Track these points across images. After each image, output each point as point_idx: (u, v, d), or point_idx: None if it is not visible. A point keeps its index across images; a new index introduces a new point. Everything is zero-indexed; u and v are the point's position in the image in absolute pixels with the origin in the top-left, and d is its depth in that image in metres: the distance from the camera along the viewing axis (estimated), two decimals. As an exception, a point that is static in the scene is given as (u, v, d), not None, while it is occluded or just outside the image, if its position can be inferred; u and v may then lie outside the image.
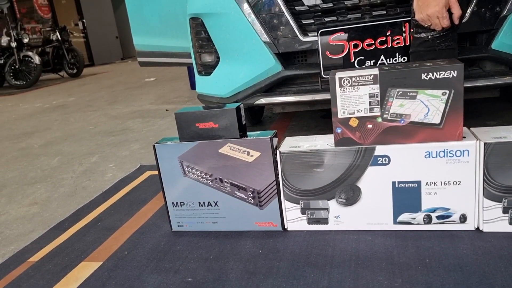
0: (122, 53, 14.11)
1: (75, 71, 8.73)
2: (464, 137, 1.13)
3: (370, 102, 1.13)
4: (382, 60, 1.60)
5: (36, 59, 7.31)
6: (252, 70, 1.80)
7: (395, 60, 1.60)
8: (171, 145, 1.28)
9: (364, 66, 1.62)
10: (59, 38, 8.43)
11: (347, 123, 1.16)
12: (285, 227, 1.28)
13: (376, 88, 1.12)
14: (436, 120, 1.11)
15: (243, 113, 1.26)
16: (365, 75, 1.11)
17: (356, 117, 1.15)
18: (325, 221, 1.24)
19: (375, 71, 1.11)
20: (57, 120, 3.88)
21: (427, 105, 1.10)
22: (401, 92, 1.11)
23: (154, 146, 1.29)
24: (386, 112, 1.13)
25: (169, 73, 6.80)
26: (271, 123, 2.77)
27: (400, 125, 1.13)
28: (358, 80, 1.12)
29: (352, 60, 1.62)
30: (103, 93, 5.54)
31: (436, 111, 1.10)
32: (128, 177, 1.97)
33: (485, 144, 1.08)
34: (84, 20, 12.45)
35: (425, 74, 1.08)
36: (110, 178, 2.03)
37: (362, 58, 1.61)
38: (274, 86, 1.83)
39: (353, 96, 1.14)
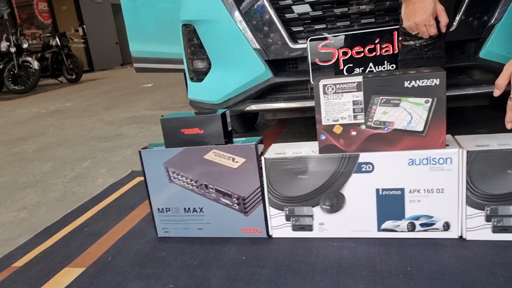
0: (121, 59, 14.16)
1: (74, 76, 8.75)
2: (448, 145, 1.13)
3: (354, 109, 1.14)
4: (371, 67, 1.61)
5: (35, 65, 7.33)
6: (243, 77, 1.81)
7: (384, 68, 1.61)
8: (156, 151, 1.28)
9: (353, 73, 1.63)
10: (59, 43, 8.47)
11: (331, 130, 1.17)
12: (270, 234, 1.28)
13: (360, 96, 1.12)
14: (419, 127, 1.11)
15: (229, 120, 1.27)
16: (349, 83, 1.12)
17: (340, 124, 1.16)
18: (309, 228, 1.24)
19: (359, 78, 1.11)
20: (52, 125, 3.89)
21: (410, 113, 1.11)
22: (384, 99, 1.11)
23: (140, 152, 1.30)
24: (370, 120, 1.13)
25: (167, 79, 6.81)
26: (264, 129, 2.78)
27: (383, 132, 1.14)
28: (342, 87, 1.13)
29: (341, 68, 1.63)
30: (100, 98, 5.55)
31: (419, 119, 1.10)
32: (118, 182, 1.97)
33: (468, 152, 1.08)
34: (84, 26, 12.51)
35: (408, 82, 1.08)
36: (100, 184, 2.03)
37: (351, 65, 1.62)
38: (264, 93, 1.84)
39: (337, 103, 1.14)
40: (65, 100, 5.86)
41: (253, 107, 1.84)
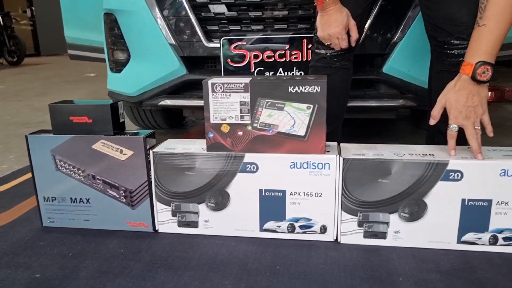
0: (72, 46, 13.61)
1: (15, 59, 8.34)
2: (329, 151, 1.18)
3: (241, 109, 1.16)
4: (280, 72, 1.65)
5: (-28, 43, 6.92)
6: (158, 71, 1.80)
7: (293, 74, 1.65)
8: (44, 137, 1.24)
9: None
10: (1, 23, 8.04)
11: (219, 128, 1.18)
12: (157, 228, 1.28)
13: (246, 97, 1.14)
14: (301, 132, 1.15)
15: (121, 111, 1.25)
16: (237, 83, 1.14)
17: (228, 124, 1.17)
18: (195, 224, 1.25)
19: (246, 80, 1.14)
20: (-24, 107, 3.68)
21: (294, 117, 1.14)
22: (270, 102, 1.14)
23: (26, 137, 1.25)
24: (256, 121, 1.16)
25: (113, 70, 6.62)
26: (192, 127, 2.77)
27: (268, 134, 1.16)
28: (230, 87, 1.14)
29: (252, 70, 1.66)
30: (36, 83, 5.32)
31: (302, 124, 1.14)
32: (22, 169, 1.89)
33: (343, 159, 1.13)
34: (33, 8, 11.95)
35: (292, 87, 1.12)
36: (4, 170, 1.94)
37: (262, 69, 1.65)
38: (180, 89, 1.83)
39: (225, 102, 1.16)
40: (-2, 82, 5.57)
41: (168, 102, 1.83)
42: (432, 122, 1.16)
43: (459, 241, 1.13)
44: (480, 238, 1.12)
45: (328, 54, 1.41)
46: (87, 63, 7.80)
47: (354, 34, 1.35)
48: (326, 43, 1.38)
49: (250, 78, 1.15)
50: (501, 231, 1.11)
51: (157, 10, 1.72)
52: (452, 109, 1.10)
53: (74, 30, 3.00)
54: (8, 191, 1.64)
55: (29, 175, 1.80)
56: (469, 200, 1.10)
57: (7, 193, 1.61)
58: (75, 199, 1.28)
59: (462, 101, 1.09)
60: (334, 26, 1.32)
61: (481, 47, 1.07)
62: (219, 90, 1.15)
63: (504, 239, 1.11)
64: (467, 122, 1.09)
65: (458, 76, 1.12)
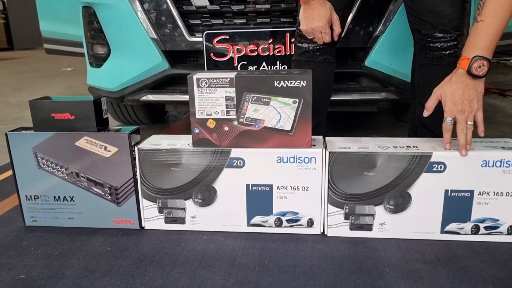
0: (46, 40, 13.29)
1: (-13, 53, 8.09)
2: (314, 145, 1.19)
3: (227, 105, 1.15)
4: (264, 66, 1.65)
5: None
6: (140, 66, 1.77)
7: (276, 68, 1.65)
8: (24, 134, 1.22)
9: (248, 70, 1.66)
10: (-28, 16, 7.78)
11: (204, 124, 1.18)
12: (143, 225, 1.27)
13: (232, 92, 1.14)
14: (288, 127, 1.15)
15: (104, 107, 1.23)
16: (222, 78, 1.13)
17: (214, 119, 1.17)
18: (182, 220, 1.24)
19: (232, 75, 1.13)
20: None
21: (280, 112, 1.14)
22: (255, 97, 1.14)
23: (6, 134, 1.22)
24: (242, 116, 1.16)
25: (90, 64, 6.50)
26: (174, 121, 2.75)
27: (254, 129, 1.16)
28: (215, 83, 1.14)
29: (236, 64, 1.65)
30: (11, 79, 5.18)
31: (288, 118, 1.15)
32: (1, 168, 1.84)
33: (329, 153, 1.14)
34: (5, 1, 11.59)
35: (278, 82, 1.12)
36: (-19, 168, 1.89)
37: (245, 63, 1.65)
38: (162, 84, 1.81)
39: (211, 97, 1.15)
40: (-30, 77, 5.40)
41: (150, 97, 1.81)
42: (426, 113, 1.16)
43: (442, 231, 1.15)
44: (462, 228, 1.14)
45: (310, 48, 1.41)
46: (63, 57, 7.64)
47: (337, 29, 1.36)
48: (309, 37, 1.39)
49: (236, 73, 1.14)
50: (482, 221, 1.14)
51: (137, 3, 1.69)
52: (447, 102, 1.11)
53: (50, 23, 2.92)
54: (-13, 190, 1.60)
55: (8, 173, 1.76)
56: (452, 191, 1.12)
57: (-14, 193, 1.57)
58: (59, 197, 1.26)
59: (458, 94, 1.09)
60: (318, 20, 1.32)
61: (479, 42, 1.08)
62: (204, 85, 1.14)
63: (486, 228, 1.14)
64: (461, 116, 1.10)
65: (455, 70, 1.12)
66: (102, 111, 1.22)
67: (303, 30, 1.38)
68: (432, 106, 1.15)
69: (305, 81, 1.11)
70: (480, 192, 1.12)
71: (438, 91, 1.14)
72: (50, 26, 2.92)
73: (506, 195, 1.12)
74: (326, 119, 1.56)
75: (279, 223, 1.21)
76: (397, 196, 1.14)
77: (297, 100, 1.13)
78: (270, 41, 1.62)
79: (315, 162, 1.16)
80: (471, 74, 1.09)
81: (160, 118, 2.72)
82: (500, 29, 1.07)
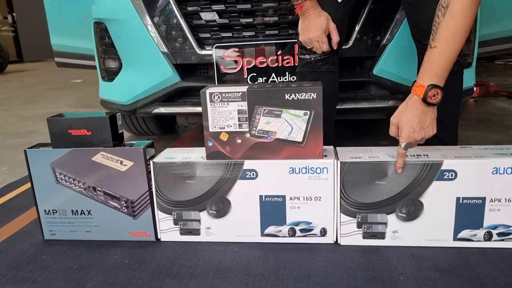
0: (55, 51, 13.45)
1: (-2, 66, 8.22)
2: (326, 156, 1.20)
3: (239, 118, 1.18)
4: (273, 77, 1.67)
5: (-48, 51, 6.80)
6: (151, 79, 1.80)
7: (285, 79, 1.67)
8: (43, 151, 1.25)
9: (257, 82, 1.68)
10: (-18, 30, 7.92)
11: (217, 137, 1.20)
12: (159, 237, 1.29)
13: (244, 105, 1.16)
14: (299, 138, 1.17)
15: (119, 122, 1.26)
16: (234, 92, 1.16)
17: (226, 132, 1.19)
18: (196, 232, 1.26)
19: (243, 89, 1.16)
20: (-38, 118, 3.63)
21: (291, 124, 1.16)
22: (267, 110, 1.16)
23: (25, 151, 1.26)
24: (254, 129, 1.18)
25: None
26: (184, 132, 2.78)
27: (266, 141, 1.19)
28: (227, 97, 1.16)
29: (245, 76, 1.68)
30: (22, 91, 5.26)
31: (299, 130, 1.17)
32: (18, 182, 1.88)
33: (341, 163, 1.16)
34: (14, 14, 11.78)
35: (288, 94, 1.14)
36: (-2, 183, 1.93)
37: (255, 74, 1.67)
38: (173, 96, 1.84)
39: (223, 111, 1.18)
40: (-17, 91, 5.49)
41: (162, 109, 1.84)
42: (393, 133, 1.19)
43: (455, 238, 1.16)
44: (475, 235, 1.15)
45: (312, 59, 1.44)
46: (72, 69, 7.73)
47: (335, 37, 1.39)
48: (308, 47, 1.42)
49: (247, 87, 1.17)
50: (495, 227, 1.15)
51: (147, 18, 1.73)
52: (404, 129, 1.12)
53: (61, 37, 2.98)
54: (5, 204, 1.63)
55: (25, 187, 1.80)
56: (463, 198, 1.13)
57: (4, 207, 1.60)
58: (76, 211, 1.29)
59: (414, 121, 1.11)
60: (314, 30, 1.36)
61: (432, 69, 1.09)
62: (217, 100, 1.17)
63: (498, 234, 1.15)
64: (415, 142, 1.13)
65: (410, 96, 1.13)
66: (117, 126, 1.25)
67: (301, 40, 1.41)
68: (394, 135, 1.17)
69: (315, 93, 1.13)
70: (492, 199, 1.13)
71: (395, 119, 1.15)
72: (60, 40, 2.97)
73: (518, 202, 1.13)
74: (335, 126, 1.58)
75: (292, 233, 1.23)
76: (409, 204, 1.16)
77: (308, 112, 1.15)
78: (279, 52, 1.65)
79: (327, 172, 1.18)
80: (426, 102, 1.10)
81: (170, 129, 2.75)
82: (453, 56, 1.08)
